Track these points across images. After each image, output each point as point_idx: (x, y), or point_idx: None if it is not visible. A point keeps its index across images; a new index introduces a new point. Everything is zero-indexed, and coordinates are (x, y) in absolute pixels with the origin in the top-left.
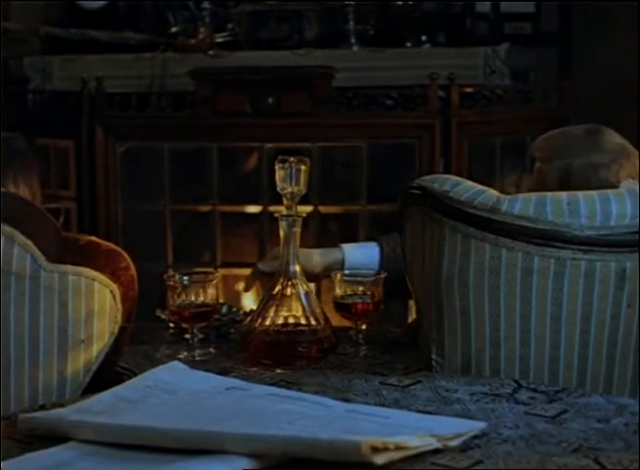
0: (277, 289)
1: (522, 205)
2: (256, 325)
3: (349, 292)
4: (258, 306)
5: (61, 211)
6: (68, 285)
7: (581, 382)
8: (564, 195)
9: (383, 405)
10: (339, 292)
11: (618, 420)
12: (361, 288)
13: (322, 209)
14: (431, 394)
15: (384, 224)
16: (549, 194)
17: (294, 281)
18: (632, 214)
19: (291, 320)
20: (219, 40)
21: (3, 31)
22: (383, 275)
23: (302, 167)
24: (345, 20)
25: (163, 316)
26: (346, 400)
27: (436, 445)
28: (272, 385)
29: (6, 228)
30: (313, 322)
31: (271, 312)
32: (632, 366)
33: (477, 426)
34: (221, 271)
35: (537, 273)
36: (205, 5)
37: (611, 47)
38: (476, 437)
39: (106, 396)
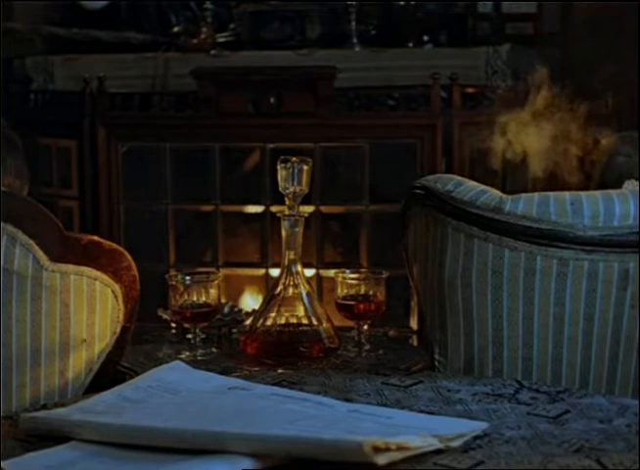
0: (279, 289)
1: (525, 205)
2: (259, 325)
3: (352, 292)
4: (261, 306)
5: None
6: (69, 285)
7: (584, 382)
8: (567, 195)
9: (385, 405)
10: (340, 292)
11: (621, 421)
12: (363, 288)
13: (324, 209)
14: (433, 394)
15: (386, 224)
16: (552, 194)
17: (296, 281)
18: (635, 215)
19: (293, 320)
20: (221, 40)
21: (6, 31)
22: (384, 275)
23: (305, 167)
24: (348, 20)
25: (165, 316)
26: (349, 400)
27: (438, 445)
28: (274, 385)
29: (8, 228)
30: (315, 322)
31: (273, 312)
32: (635, 367)
33: (479, 426)
34: (223, 271)
35: (540, 273)
36: (208, 5)
37: (612, 47)
38: (477, 437)
39: (108, 395)
